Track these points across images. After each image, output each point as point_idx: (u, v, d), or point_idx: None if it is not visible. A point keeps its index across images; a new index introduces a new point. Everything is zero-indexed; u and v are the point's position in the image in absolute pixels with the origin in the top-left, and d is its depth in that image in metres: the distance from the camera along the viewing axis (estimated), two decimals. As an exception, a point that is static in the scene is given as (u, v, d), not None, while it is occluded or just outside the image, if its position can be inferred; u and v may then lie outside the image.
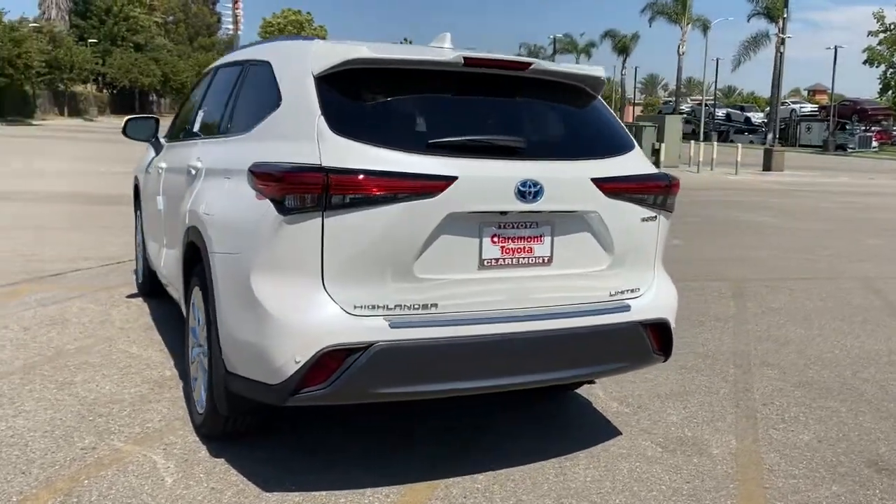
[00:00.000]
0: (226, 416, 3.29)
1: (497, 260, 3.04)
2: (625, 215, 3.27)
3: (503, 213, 3.00)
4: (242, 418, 3.34)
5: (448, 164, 2.90)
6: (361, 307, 2.83)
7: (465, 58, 3.10)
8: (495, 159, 3.03)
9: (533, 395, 4.21)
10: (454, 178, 2.87)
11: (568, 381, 3.44)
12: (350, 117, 2.97)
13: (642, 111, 70.58)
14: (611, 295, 3.31)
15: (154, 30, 78.24)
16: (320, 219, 2.74)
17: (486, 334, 2.98)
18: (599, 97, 3.60)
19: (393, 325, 2.85)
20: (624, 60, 68.04)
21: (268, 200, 2.83)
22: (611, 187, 3.20)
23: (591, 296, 3.27)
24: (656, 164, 24.27)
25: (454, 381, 3.01)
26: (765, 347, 5.49)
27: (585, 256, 3.23)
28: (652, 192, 3.36)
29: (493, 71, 3.26)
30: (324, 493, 3.11)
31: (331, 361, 2.78)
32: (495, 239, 3.02)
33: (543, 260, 3.13)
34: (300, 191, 2.73)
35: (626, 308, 3.31)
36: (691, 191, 18.60)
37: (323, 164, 2.76)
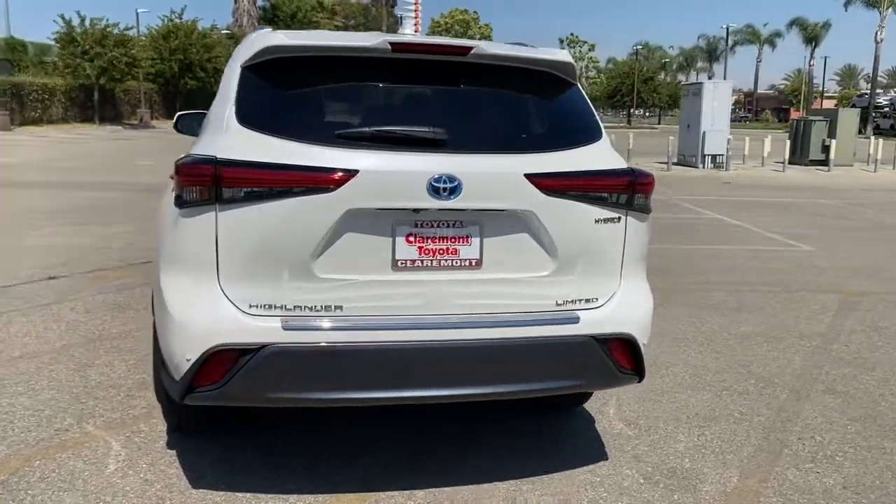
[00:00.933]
0: (168, 408, 3.29)
1: (413, 261, 2.79)
2: (571, 216, 2.91)
3: (416, 210, 2.75)
4: (186, 412, 3.32)
5: (350, 156, 2.69)
6: (257, 306, 2.70)
7: (391, 43, 2.87)
8: (407, 152, 2.77)
9: (529, 406, 3.90)
10: (355, 172, 2.66)
11: (506, 397, 3.08)
12: (260, 108, 2.84)
13: (836, 104, 64.75)
14: (557, 304, 2.95)
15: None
16: (214, 213, 2.65)
17: (396, 341, 2.75)
18: (576, 84, 3.23)
19: (287, 327, 2.69)
20: (812, 50, 62.87)
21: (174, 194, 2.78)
22: (549, 184, 2.84)
23: (532, 304, 2.93)
24: (825, 162, 22.23)
25: (357, 391, 2.80)
26: (840, 372, 4.76)
27: (523, 261, 2.90)
28: (607, 189, 2.96)
29: (430, 57, 3.01)
30: (249, 494, 3.04)
31: (222, 361, 2.67)
32: (411, 239, 2.78)
33: (471, 263, 2.85)
34: (193, 184, 2.65)
35: (574, 320, 2.94)
36: (859, 191, 16.86)
37: (217, 157, 2.66)
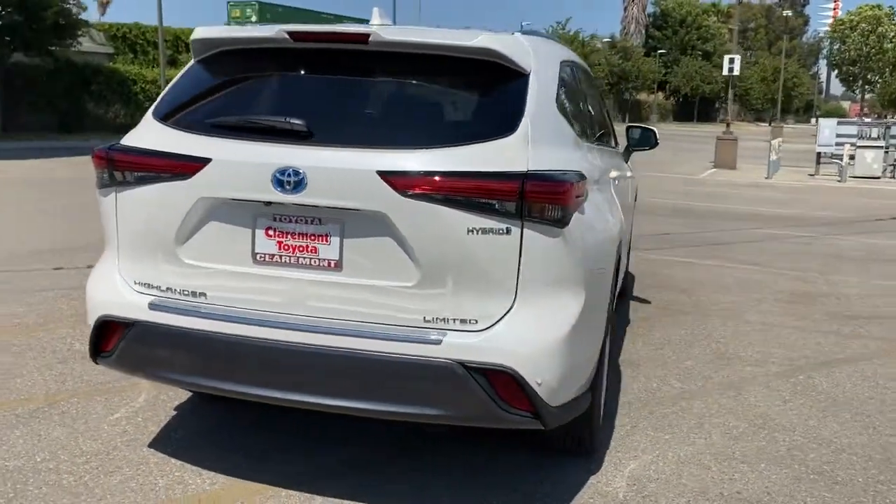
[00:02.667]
0: None
1: (273, 256, 2.75)
2: (434, 222, 2.56)
3: (268, 203, 2.71)
4: None
5: (207, 145, 2.76)
6: (140, 284, 2.93)
7: (289, 33, 2.86)
8: (257, 143, 2.73)
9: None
10: (207, 161, 2.73)
11: (358, 413, 2.80)
12: (169, 100, 3.04)
13: None
14: (425, 321, 2.63)
15: (726, 36, 78.50)
16: (114, 194, 2.93)
17: (247, 336, 2.73)
18: (513, 71, 2.79)
19: (152, 307, 2.86)
20: None
21: None
22: (405, 184, 2.55)
23: (396, 317, 2.65)
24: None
25: (210, 380, 2.86)
26: None
27: (387, 268, 2.64)
28: (484, 195, 2.54)
29: (332, 46, 2.93)
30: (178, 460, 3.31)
31: (113, 332, 2.94)
32: (270, 232, 2.74)
33: (330, 264, 2.70)
34: (97, 166, 2.96)
35: (437, 341, 2.59)
36: None
37: (119, 143, 2.96)
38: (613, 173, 4.14)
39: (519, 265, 2.59)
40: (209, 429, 3.64)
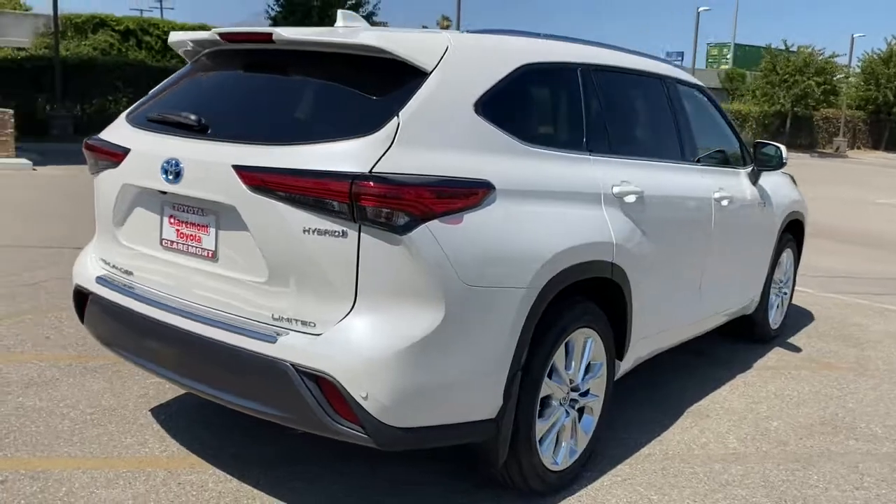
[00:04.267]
0: None
1: (173, 242, 2.92)
2: (274, 219, 2.55)
3: (163, 192, 2.88)
4: None
5: (131, 137, 3.05)
6: (101, 260, 3.28)
7: (220, 34, 3.03)
8: (159, 134, 2.94)
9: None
10: (128, 150, 3.00)
11: (222, 403, 2.84)
12: (141, 99, 3.36)
13: None
14: (273, 318, 2.63)
15: None
16: (93, 178, 3.31)
17: (147, 315, 2.94)
18: (418, 69, 2.67)
19: (98, 280, 3.18)
20: None
21: None
22: (251, 178, 2.56)
23: (250, 311, 2.68)
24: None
25: (131, 355, 3.11)
26: None
27: (247, 262, 2.68)
28: (319, 194, 2.46)
29: (253, 46, 3.05)
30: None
31: (82, 300, 3.32)
32: (171, 220, 2.92)
33: (208, 254, 2.80)
34: (85, 152, 3.33)
35: (272, 339, 2.57)
36: None
37: (95, 135, 3.32)
38: (666, 191, 3.73)
39: (357, 271, 2.48)
40: (202, 403, 3.90)
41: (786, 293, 5.73)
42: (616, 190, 3.30)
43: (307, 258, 2.54)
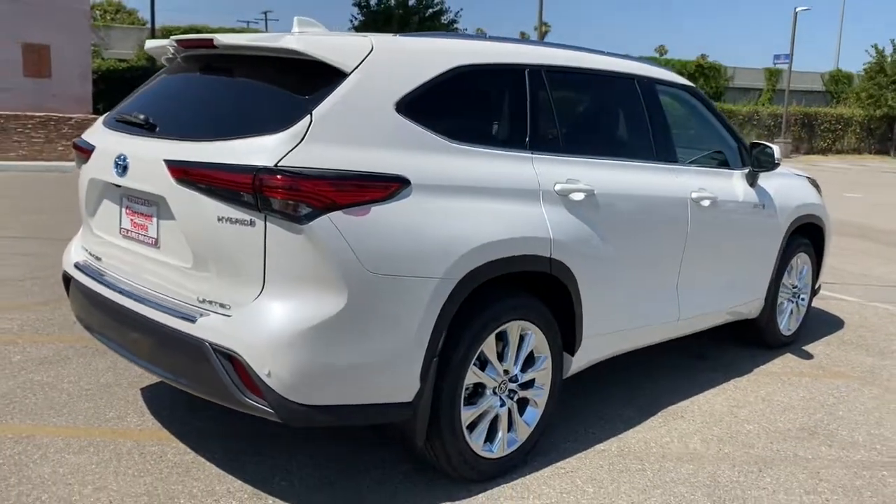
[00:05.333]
0: None
1: (129, 231, 3.21)
2: (194, 209, 2.81)
3: (117, 186, 3.17)
4: None
5: (99, 135, 3.40)
6: (82, 248, 3.62)
7: (176, 40, 3.34)
8: (116, 133, 3.27)
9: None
10: (93, 148, 3.35)
11: (166, 380, 3.16)
12: (124, 102, 3.66)
13: None
14: (199, 301, 2.88)
15: None
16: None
17: (106, 299, 3.23)
18: (338, 70, 2.85)
19: (75, 266, 3.52)
20: None
21: None
22: (176, 171, 2.84)
23: (182, 294, 2.95)
24: None
25: (99, 335, 3.41)
26: None
27: (179, 249, 2.95)
28: (229, 186, 2.69)
29: (201, 52, 3.31)
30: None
31: (68, 283, 3.65)
32: (127, 211, 3.21)
33: (152, 241, 3.08)
34: (74, 152, 3.72)
35: (192, 319, 2.82)
36: None
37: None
38: (630, 190, 3.79)
39: (265, 257, 2.68)
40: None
41: (803, 299, 5.55)
42: (559, 187, 3.37)
43: (223, 245, 2.78)
